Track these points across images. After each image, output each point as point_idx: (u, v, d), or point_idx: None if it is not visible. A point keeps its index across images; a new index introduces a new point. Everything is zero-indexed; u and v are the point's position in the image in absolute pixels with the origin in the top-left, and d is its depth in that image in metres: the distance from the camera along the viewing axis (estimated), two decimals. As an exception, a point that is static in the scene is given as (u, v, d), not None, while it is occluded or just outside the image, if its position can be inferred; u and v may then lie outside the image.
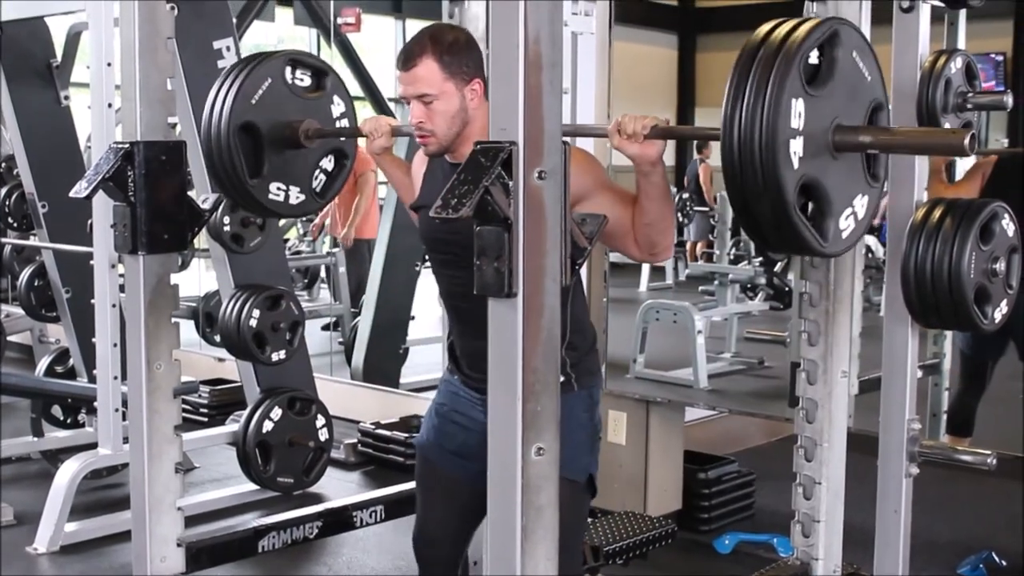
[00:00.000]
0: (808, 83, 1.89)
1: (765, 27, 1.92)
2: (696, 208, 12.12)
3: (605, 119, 4.99)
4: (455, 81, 2.60)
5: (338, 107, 3.04)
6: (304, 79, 2.97)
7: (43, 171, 5.79)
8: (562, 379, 2.58)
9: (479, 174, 1.83)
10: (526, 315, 1.87)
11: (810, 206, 1.94)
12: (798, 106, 1.86)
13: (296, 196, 2.98)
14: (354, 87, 11.11)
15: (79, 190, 2.83)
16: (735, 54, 1.94)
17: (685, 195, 12.14)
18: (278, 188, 2.93)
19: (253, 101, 2.84)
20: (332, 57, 10.77)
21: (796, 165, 1.86)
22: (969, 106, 2.86)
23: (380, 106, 11.01)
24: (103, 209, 4.52)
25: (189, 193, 2.99)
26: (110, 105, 4.71)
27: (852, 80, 1.97)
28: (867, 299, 5.24)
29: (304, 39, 12.62)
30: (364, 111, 11.55)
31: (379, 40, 12.89)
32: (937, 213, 2.69)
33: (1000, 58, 9.23)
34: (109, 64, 4.69)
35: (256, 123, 2.85)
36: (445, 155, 2.73)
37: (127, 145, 2.83)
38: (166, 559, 2.96)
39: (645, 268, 11.44)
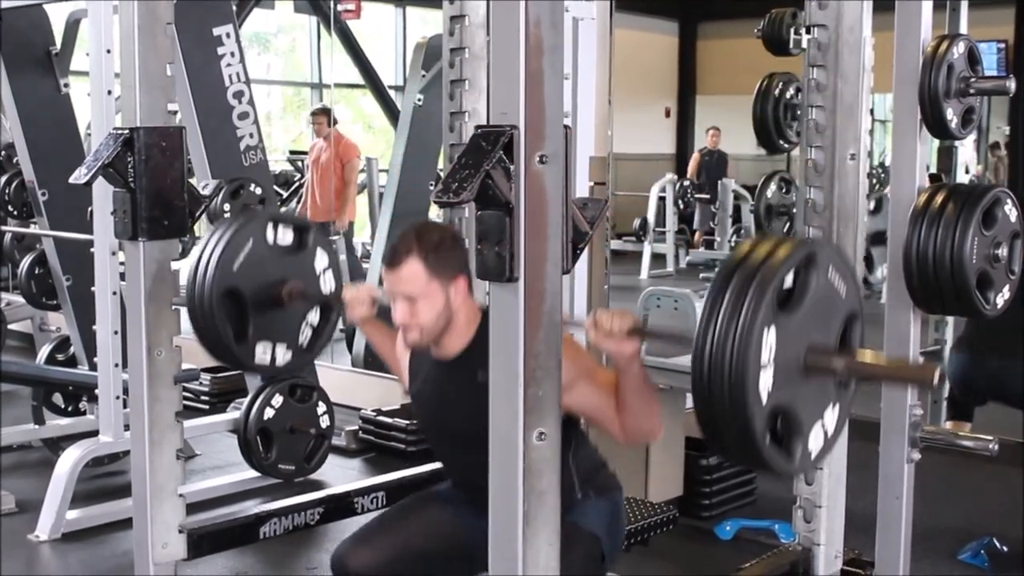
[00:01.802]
0: (781, 308, 1.83)
1: (744, 247, 1.87)
2: (697, 196, 12.14)
3: (606, 106, 4.99)
4: (439, 281, 2.61)
5: (321, 261, 3.06)
6: (286, 237, 2.98)
7: (43, 159, 5.78)
8: (580, 496, 2.70)
9: (480, 158, 1.82)
10: (527, 300, 1.87)
11: (779, 425, 1.88)
12: (769, 337, 1.80)
13: (283, 354, 3.01)
14: (354, 75, 11.11)
15: (79, 176, 2.83)
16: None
17: (686, 182, 12.17)
18: (264, 349, 2.96)
19: (235, 267, 2.86)
20: (332, 45, 10.76)
21: (765, 399, 1.81)
22: (971, 91, 2.85)
23: (380, 94, 11.01)
24: (103, 196, 4.51)
25: (189, 179, 2.98)
26: (110, 92, 4.69)
27: (827, 297, 1.91)
28: (868, 285, 5.23)
29: (304, 26, 12.60)
30: (364, 99, 11.55)
31: (379, 27, 12.87)
32: (939, 198, 2.69)
33: (1002, 45, 9.21)
34: (108, 51, 4.67)
35: (240, 288, 2.87)
36: (430, 348, 2.74)
37: (127, 131, 2.82)
38: (167, 545, 2.96)
39: (646, 255, 11.46)
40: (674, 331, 2.36)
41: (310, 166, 9.05)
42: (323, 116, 8.85)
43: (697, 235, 11.89)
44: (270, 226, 2.94)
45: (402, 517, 2.92)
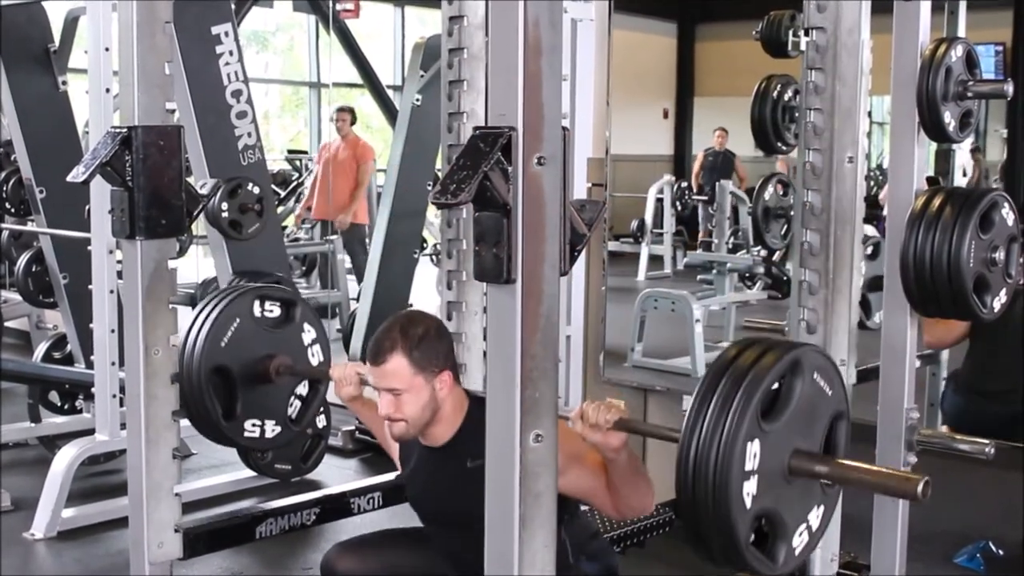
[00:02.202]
0: (765, 416, 1.84)
1: (731, 351, 1.88)
2: (695, 198, 12.12)
3: (604, 107, 4.98)
4: (424, 375, 2.62)
5: (308, 334, 3.09)
6: (273, 311, 3.02)
7: (41, 157, 5.78)
8: (572, 563, 2.71)
9: (478, 159, 1.82)
10: (525, 301, 1.86)
11: (764, 528, 1.89)
12: (754, 447, 1.81)
13: (272, 429, 3.05)
14: (353, 74, 11.10)
15: (76, 175, 2.82)
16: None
17: (684, 184, 12.15)
18: (253, 425, 3.00)
19: (223, 344, 2.90)
20: (331, 44, 10.75)
21: (749, 505, 1.82)
22: (969, 94, 2.85)
23: (379, 93, 10.99)
24: (101, 194, 4.51)
25: (187, 178, 2.98)
26: (108, 90, 4.69)
27: (812, 400, 1.91)
28: (864, 297, 5.23)
29: (303, 25, 12.59)
30: (363, 99, 11.53)
31: (378, 27, 12.87)
32: (937, 202, 2.69)
33: (1000, 48, 9.20)
34: (107, 49, 4.67)
35: (228, 365, 2.91)
36: (419, 438, 2.76)
37: (125, 130, 2.82)
38: (163, 544, 2.96)
39: (643, 257, 11.44)
40: (660, 428, 2.38)
41: (320, 164, 9.04)
42: (347, 114, 8.85)
43: (701, 234, 11.87)
44: (257, 302, 2.99)
45: (397, 537, 2.97)
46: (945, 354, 5.04)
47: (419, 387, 2.62)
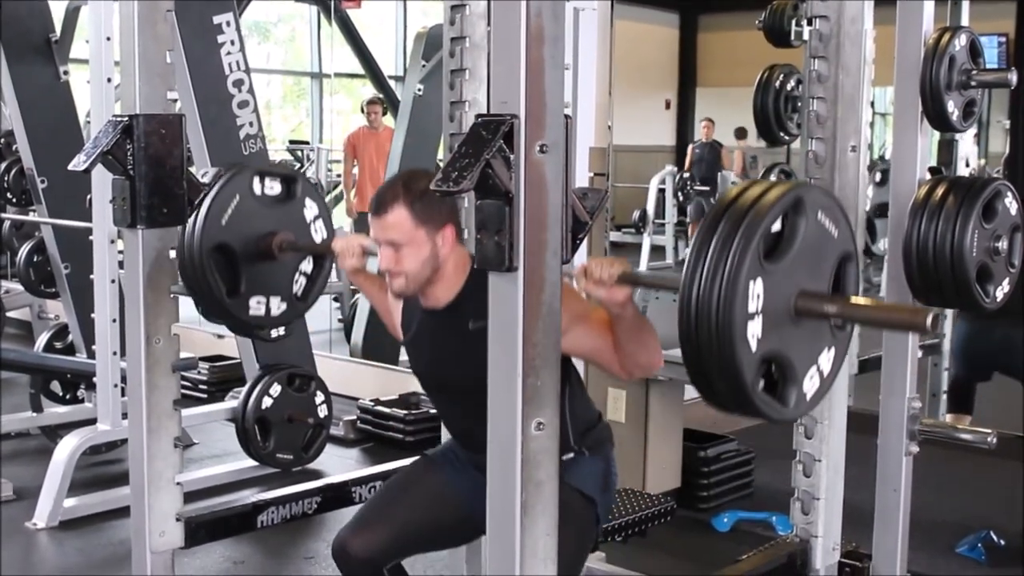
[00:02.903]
0: (768, 256, 1.80)
1: (732, 192, 1.84)
2: (696, 188, 12.13)
3: (606, 97, 4.98)
4: (426, 228, 2.59)
5: (311, 210, 3.04)
6: (273, 188, 2.96)
7: (42, 146, 5.78)
8: (573, 455, 2.67)
9: (480, 147, 1.82)
10: (526, 289, 1.86)
11: (773, 372, 1.86)
12: (756, 287, 1.77)
13: (277, 306, 2.99)
14: (354, 64, 11.09)
15: (78, 163, 2.82)
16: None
17: (686, 174, 12.16)
18: (258, 302, 2.94)
19: (223, 221, 2.84)
20: (332, 35, 10.74)
21: (755, 347, 1.78)
22: (973, 83, 2.84)
23: (380, 83, 10.99)
24: (102, 184, 4.50)
25: (188, 167, 2.98)
26: (109, 80, 4.69)
27: (818, 240, 1.88)
28: (867, 280, 5.24)
29: (304, 16, 12.59)
30: (364, 89, 11.52)
31: (380, 17, 12.84)
32: (940, 191, 2.69)
33: (1003, 38, 9.19)
34: (108, 39, 4.66)
35: (229, 243, 2.86)
36: (419, 299, 2.73)
37: (126, 119, 2.82)
38: (165, 534, 2.96)
39: (645, 247, 11.44)
40: (663, 279, 2.35)
41: (357, 157, 8.93)
42: (378, 105, 8.74)
43: (692, 227, 11.87)
44: (256, 179, 2.93)
45: (399, 493, 2.91)
46: (947, 345, 5.04)
47: (420, 241, 2.58)
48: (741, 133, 12.91)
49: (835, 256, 1.92)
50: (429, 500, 2.87)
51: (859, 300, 1.91)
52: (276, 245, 2.92)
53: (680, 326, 1.81)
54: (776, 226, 1.81)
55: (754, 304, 1.77)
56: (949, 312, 4.92)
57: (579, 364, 2.79)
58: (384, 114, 8.65)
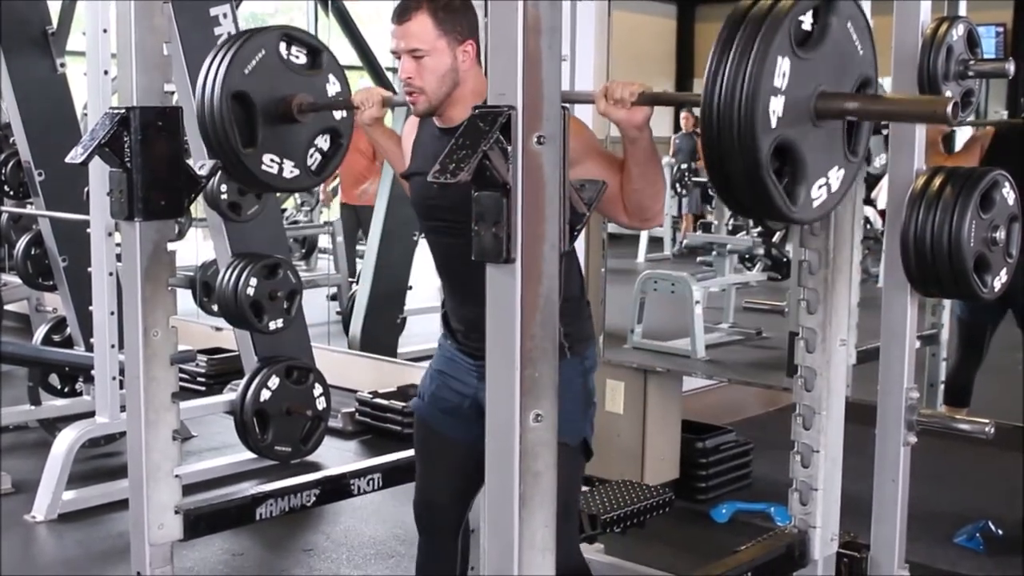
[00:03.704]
0: (798, 45, 1.86)
1: None
2: (695, 179, 12.13)
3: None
4: (448, 39, 2.59)
5: (333, 86, 3.02)
6: (299, 56, 2.94)
7: (40, 139, 5.78)
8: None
9: (477, 138, 1.82)
10: (524, 281, 1.86)
11: (784, 170, 1.91)
12: (783, 65, 1.83)
13: (290, 170, 2.95)
14: (352, 57, 11.08)
15: (75, 156, 2.81)
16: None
17: (684, 166, 12.16)
18: (272, 160, 2.90)
19: (246, 71, 2.81)
20: (330, 27, 10.72)
21: (774, 124, 1.83)
22: (970, 73, 2.84)
23: (378, 76, 10.96)
24: (100, 177, 4.51)
25: (186, 160, 2.97)
26: (106, 72, 4.68)
27: (843, 50, 1.93)
28: (865, 270, 5.24)
29: (301, 7, 12.56)
30: (362, 81, 11.51)
31: (377, 10, 12.82)
32: (937, 181, 2.68)
33: (1001, 28, 9.19)
34: (105, 31, 4.66)
35: (249, 93, 2.82)
36: (434, 119, 2.72)
37: (123, 111, 2.81)
38: (164, 526, 2.96)
39: (643, 239, 11.44)
40: (687, 95, 2.38)
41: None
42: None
43: (686, 220, 11.86)
44: (283, 42, 2.91)
45: (428, 465, 3.00)
46: (945, 335, 5.04)
47: (441, 51, 2.59)
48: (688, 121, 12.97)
49: (857, 75, 1.97)
50: (448, 462, 2.95)
51: (877, 96, 1.97)
52: (296, 105, 2.89)
53: (703, 105, 1.86)
54: (807, 23, 1.87)
55: (780, 80, 1.82)
56: (947, 302, 4.92)
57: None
58: None
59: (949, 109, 1.85)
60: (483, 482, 3.00)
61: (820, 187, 1.97)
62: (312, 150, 3.02)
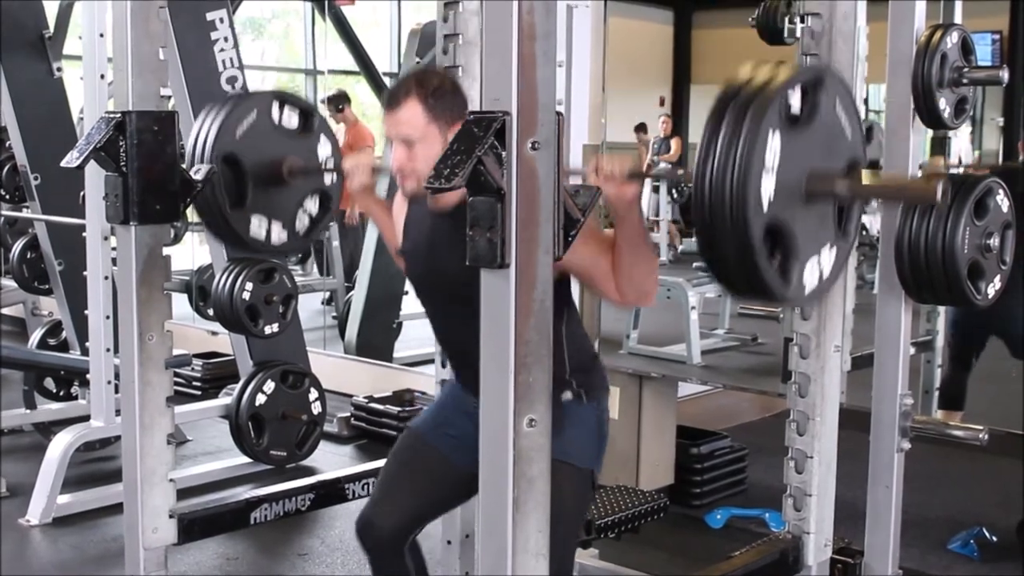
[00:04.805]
0: (788, 125, 1.85)
1: (747, 69, 1.89)
2: (691, 185, 12.12)
3: (600, 94, 4.98)
4: (438, 124, 2.60)
5: (324, 148, 3.04)
6: (291, 119, 2.97)
7: (36, 143, 5.78)
8: (570, 396, 2.67)
9: (472, 144, 1.82)
10: (518, 286, 1.86)
11: (776, 251, 1.89)
12: (774, 143, 1.80)
13: (278, 233, 2.98)
14: (349, 61, 11.08)
15: (70, 160, 2.81)
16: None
17: (680, 171, 12.17)
18: (259, 222, 2.93)
19: (237, 134, 2.84)
20: (327, 31, 10.73)
21: (766, 207, 1.81)
22: (965, 81, 2.85)
23: (375, 81, 10.97)
24: (96, 181, 4.50)
25: (182, 164, 2.97)
26: (103, 76, 4.68)
27: (832, 130, 1.91)
28: (860, 276, 5.25)
29: (298, 12, 12.56)
30: (359, 86, 11.52)
31: (374, 13, 12.83)
32: (931, 188, 2.69)
33: (996, 36, 9.20)
34: (101, 35, 4.67)
35: (239, 156, 2.85)
36: (427, 201, 2.73)
37: (119, 115, 2.81)
38: (158, 530, 2.96)
39: (639, 244, 11.45)
40: (676, 171, 2.40)
41: None
42: (329, 105, 8.72)
43: (671, 227, 11.85)
44: (275, 104, 2.93)
45: (405, 469, 2.94)
46: (939, 341, 5.05)
47: (432, 136, 2.59)
48: (641, 127, 13.02)
49: (846, 157, 1.96)
50: (432, 480, 2.90)
51: (866, 178, 1.96)
52: (286, 168, 2.91)
53: (695, 185, 1.84)
54: (796, 104, 1.86)
55: (771, 158, 1.81)
56: (941, 309, 4.93)
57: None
58: (339, 111, 8.61)
59: (939, 193, 1.85)
60: (448, 509, 3.08)
61: (812, 269, 1.95)
62: (301, 212, 3.04)
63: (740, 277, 1.90)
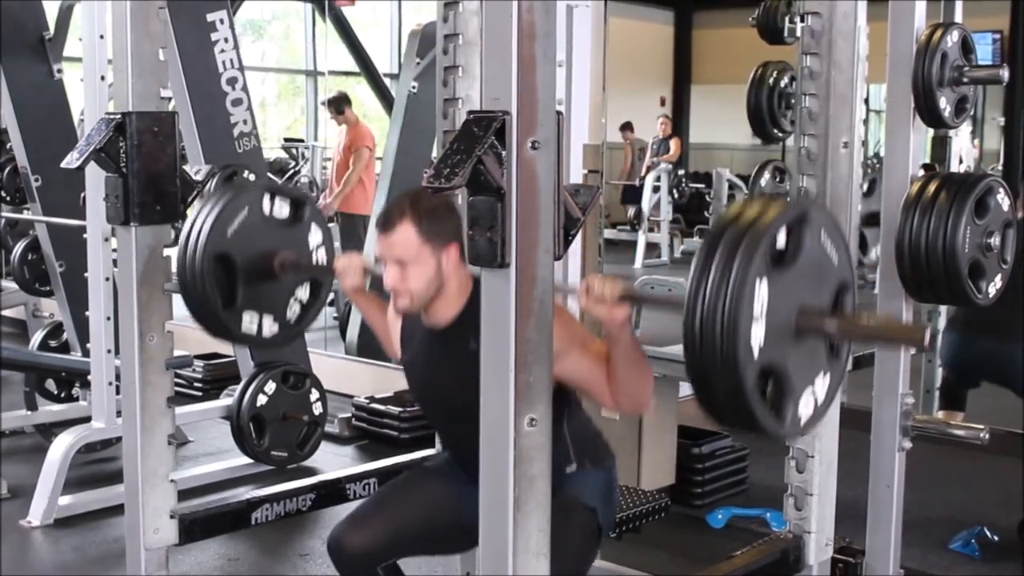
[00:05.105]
0: (774, 265, 1.84)
1: (735, 208, 1.87)
2: (691, 185, 12.16)
3: (600, 94, 4.97)
4: (431, 246, 2.60)
5: (315, 236, 3.04)
6: (282, 209, 2.97)
7: (36, 144, 5.77)
8: (575, 467, 2.71)
9: (472, 143, 1.82)
10: (518, 285, 1.87)
11: (769, 387, 1.88)
12: (762, 290, 1.80)
13: (270, 326, 2.98)
14: (349, 62, 11.09)
15: (71, 161, 2.82)
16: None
17: (681, 172, 12.20)
18: (251, 319, 2.93)
19: (229, 233, 2.84)
20: (327, 32, 10.74)
21: (756, 353, 1.80)
22: (965, 80, 2.85)
23: (375, 81, 10.99)
24: (96, 182, 4.50)
25: (182, 165, 2.97)
26: (103, 78, 4.68)
27: (819, 262, 1.91)
28: (861, 276, 5.24)
29: (299, 13, 12.58)
30: (359, 87, 11.52)
31: (374, 14, 12.84)
32: (932, 187, 2.69)
33: (997, 35, 9.20)
34: (102, 36, 4.66)
35: (231, 254, 2.85)
36: (421, 316, 2.73)
37: (119, 116, 2.81)
38: (159, 531, 2.96)
39: (640, 244, 11.46)
40: (665, 296, 2.37)
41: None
42: (330, 107, 8.71)
43: (662, 224, 11.86)
44: (266, 197, 2.93)
45: (398, 494, 2.92)
46: (939, 340, 5.05)
47: (425, 259, 2.60)
48: (627, 126, 13.09)
49: (834, 282, 1.95)
50: (425, 503, 2.88)
51: (855, 318, 1.94)
52: (277, 263, 2.92)
53: (685, 331, 1.83)
54: (781, 241, 1.84)
55: (759, 307, 1.79)
56: (943, 308, 4.93)
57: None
58: (340, 112, 8.58)
59: (926, 338, 1.87)
60: (437, 548, 3.10)
61: (807, 401, 1.94)
62: (292, 301, 3.04)
63: (734, 418, 1.90)
